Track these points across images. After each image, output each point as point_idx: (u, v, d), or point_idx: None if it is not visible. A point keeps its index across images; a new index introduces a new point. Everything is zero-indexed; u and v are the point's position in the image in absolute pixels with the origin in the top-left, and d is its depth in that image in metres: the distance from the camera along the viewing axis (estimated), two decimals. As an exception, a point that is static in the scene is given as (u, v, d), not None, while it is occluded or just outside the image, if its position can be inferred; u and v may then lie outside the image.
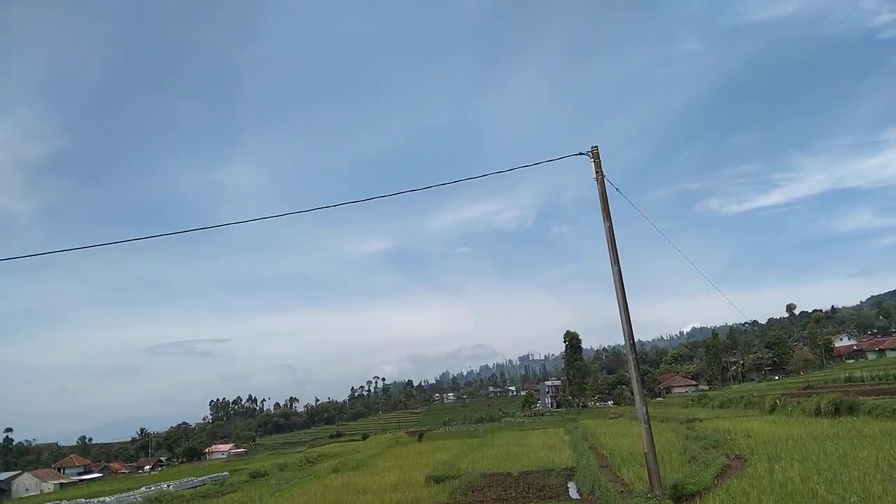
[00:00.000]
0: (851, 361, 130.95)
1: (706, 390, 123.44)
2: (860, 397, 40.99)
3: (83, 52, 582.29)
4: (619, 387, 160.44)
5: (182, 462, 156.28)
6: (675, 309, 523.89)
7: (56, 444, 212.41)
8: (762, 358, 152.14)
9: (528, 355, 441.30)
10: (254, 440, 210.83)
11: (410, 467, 38.85)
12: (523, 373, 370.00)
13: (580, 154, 19.32)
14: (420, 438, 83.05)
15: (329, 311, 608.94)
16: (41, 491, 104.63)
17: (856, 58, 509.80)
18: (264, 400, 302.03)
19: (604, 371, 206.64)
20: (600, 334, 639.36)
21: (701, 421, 49.11)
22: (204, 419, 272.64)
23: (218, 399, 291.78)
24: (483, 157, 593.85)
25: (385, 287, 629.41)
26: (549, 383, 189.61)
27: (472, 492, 25.17)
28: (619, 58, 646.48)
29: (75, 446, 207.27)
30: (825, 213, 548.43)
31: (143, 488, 51.89)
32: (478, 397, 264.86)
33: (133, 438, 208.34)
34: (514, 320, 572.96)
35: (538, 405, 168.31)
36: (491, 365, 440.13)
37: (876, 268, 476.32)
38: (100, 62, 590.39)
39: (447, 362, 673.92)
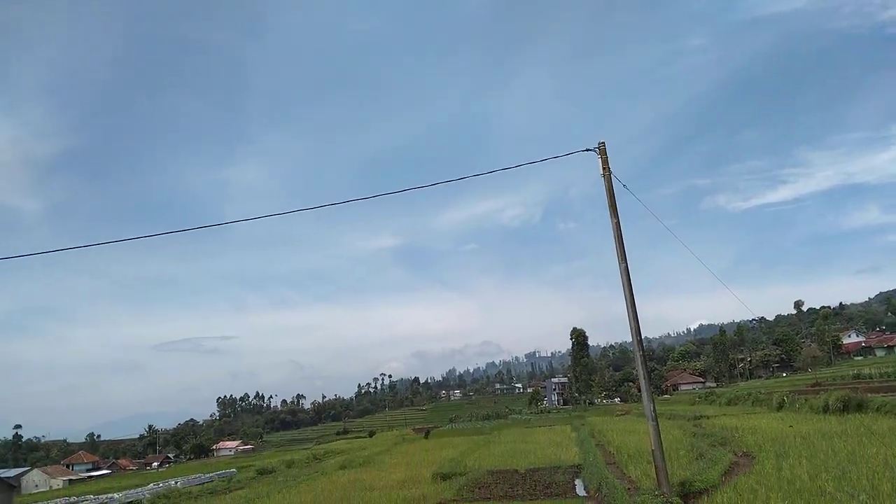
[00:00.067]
0: (860, 358, 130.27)
1: (713, 387, 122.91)
2: (869, 394, 40.79)
3: (90, 50, 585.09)
4: (625, 384, 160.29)
5: (190, 459, 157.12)
6: (682, 306, 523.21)
7: (65, 440, 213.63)
8: (770, 355, 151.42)
9: (534, 352, 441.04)
10: (261, 437, 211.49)
11: (417, 464, 38.93)
12: (530, 370, 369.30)
13: (587, 150, 19.23)
14: (427, 435, 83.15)
15: (336, 308, 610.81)
16: (50, 487, 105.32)
17: (865, 52, 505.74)
18: (271, 397, 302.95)
19: (610, 368, 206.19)
20: (607, 331, 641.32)
21: (708, 418, 49.00)
22: (211, 416, 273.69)
23: (225, 396, 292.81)
24: (489, 155, 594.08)
25: (392, 284, 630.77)
26: (555, 380, 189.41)
27: (479, 489, 25.19)
28: (626, 54, 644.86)
29: (84, 443, 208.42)
30: (834, 209, 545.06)
31: (151, 485, 52.12)
32: (484, 394, 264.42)
33: (141, 435, 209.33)
34: (520, 317, 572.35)
35: (545, 402, 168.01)
36: (497, 362, 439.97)
37: (884, 264, 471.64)
38: (106, 61, 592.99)
39: (454, 359, 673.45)
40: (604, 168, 19.15)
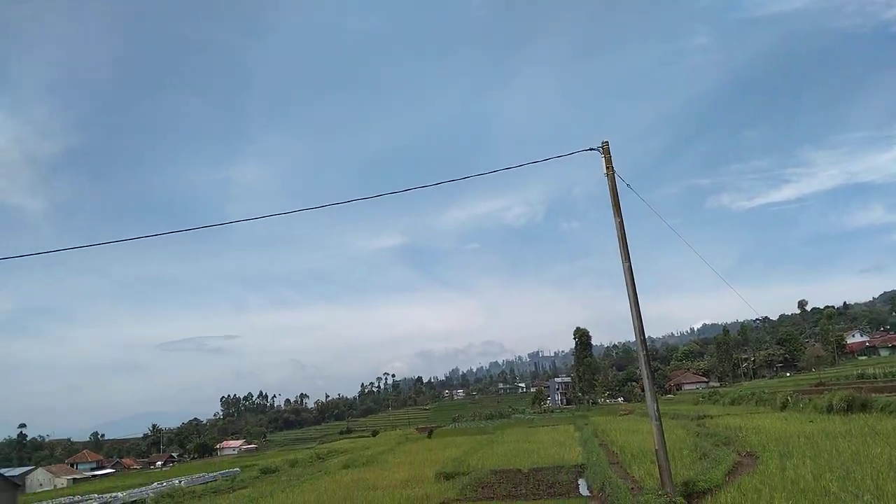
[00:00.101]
0: (864, 358, 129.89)
1: (717, 387, 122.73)
2: (873, 394, 40.71)
3: (93, 50, 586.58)
4: (629, 383, 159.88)
5: (193, 458, 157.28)
6: (685, 305, 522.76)
7: (69, 439, 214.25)
8: (773, 354, 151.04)
9: (537, 352, 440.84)
10: (264, 436, 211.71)
11: (420, 464, 38.93)
12: (533, 369, 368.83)
13: (591, 149, 19.23)
14: (430, 435, 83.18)
15: (339, 307, 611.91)
16: (54, 486, 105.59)
17: (869, 51, 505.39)
18: (275, 396, 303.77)
19: (614, 368, 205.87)
20: (610, 331, 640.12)
21: (712, 418, 48.92)
22: (215, 415, 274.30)
23: (229, 395, 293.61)
24: (490, 155, 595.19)
25: (394, 283, 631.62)
26: (559, 380, 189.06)
27: (482, 488, 25.18)
28: (627, 54, 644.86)
29: (88, 442, 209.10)
30: (837, 209, 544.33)
31: (155, 484, 52.23)
32: (487, 394, 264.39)
33: (145, 434, 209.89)
34: (523, 317, 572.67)
35: (548, 402, 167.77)
36: (501, 361, 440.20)
37: (889, 263, 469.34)
38: (109, 60, 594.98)
39: (457, 359, 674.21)
40: (607, 167, 19.14)
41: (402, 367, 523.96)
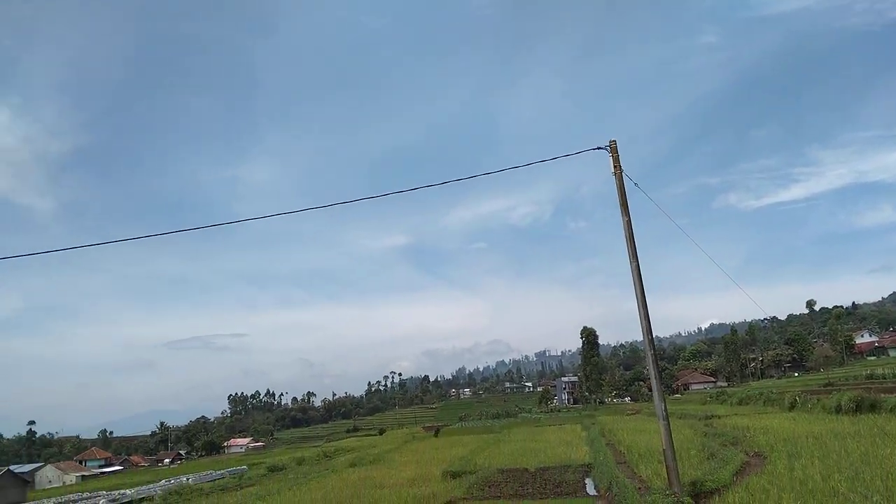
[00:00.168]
0: (873, 358, 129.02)
1: (725, 387, 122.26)
2: (882, 395, 40.39)
3: (102, 49, 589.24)
4: (636, 383, 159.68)
5: (201, 456, 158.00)
6: (693, 305, 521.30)
7: (78, 437, 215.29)
8: (781, 354, 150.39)
9: (544, 351, 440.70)
10: (272, 434, 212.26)
11: (427, 462, 38.95)
12: (540, 369, 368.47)
13: (598, 148, 19.17)
14: (437, 434, 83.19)
15: (346, 306, 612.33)
16: (63, 483, 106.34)
17: (879, 49, 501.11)
18: (282, 394, 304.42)
19: (621, 367, 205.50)
20: (617, 330, 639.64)
21: (719, 418, 48.74)
22: (222, 413, 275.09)
23: (236, 393, 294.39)
24: (497, 153, 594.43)
25: (400, 283, 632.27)
26: (565, 379, 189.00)
27: (489, 487, 25.17)
28: (635, 53, 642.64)
29: (96, 439, 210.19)
30: (846, 208, 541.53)
31: (163, 481, 52.50)
32: (494, 393, 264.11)
33: (153, 432, 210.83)
34: (530, 316, 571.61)
35: (555, 401, 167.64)
36: (507, 361, 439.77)
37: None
38: (118, 60, 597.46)
39: (463, 358, 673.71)
40: (615, 166, 19.07)
41: (409, 366, 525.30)
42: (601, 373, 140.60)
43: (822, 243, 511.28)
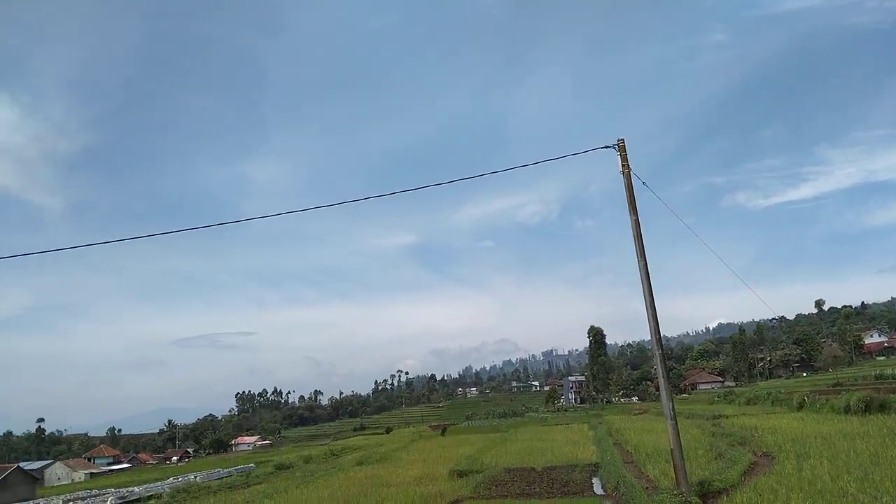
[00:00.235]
0: (882, 358, 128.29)
1: (732, 387, 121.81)
2: (892, 395, 40.08)
3: (111, 48, 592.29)
4: (643, 383, 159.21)
5: (209, 454, 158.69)
6: (700, 304, 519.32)
7: (86, 434, 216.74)
8: (790, 354, 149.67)
9: (551, 350, 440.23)
10: (279, 432, 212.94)
11: (434, 461, 38.97)
12: (547, 368, 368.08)
13: (606, 147, 19.14)
14: (443, 432, 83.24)
15: (353, 304, 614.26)
16: (72, 480, 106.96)
17: (889, 47, 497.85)
18: (289, 393, 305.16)
19: (628, 367, 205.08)
20: (625, 329, 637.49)
21: (727, 417, 48.54)
22: (230, 411, 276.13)
23: (244, 391, 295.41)
24: (505, 152, 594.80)
25: (408, 281, 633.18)
26: (572, 379, 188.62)
27: (496, 486, 25.17)
28: (643, 51, 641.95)
29: (105, 437, 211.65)
30: (855, 208, 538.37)
31: (171, 479, 52.78)
32: (501, 392, 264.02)
33: (161, 430, 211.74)
34: (537, 315, 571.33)
35: (562, 401, 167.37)
36: (514, 360, 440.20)
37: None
38: (127, 59, 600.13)
39: (470, 357, 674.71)
40: (623, 165, 19.03)
41: (416, 365, 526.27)
42: (608, 372, 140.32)
43: (830, 243, 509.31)
